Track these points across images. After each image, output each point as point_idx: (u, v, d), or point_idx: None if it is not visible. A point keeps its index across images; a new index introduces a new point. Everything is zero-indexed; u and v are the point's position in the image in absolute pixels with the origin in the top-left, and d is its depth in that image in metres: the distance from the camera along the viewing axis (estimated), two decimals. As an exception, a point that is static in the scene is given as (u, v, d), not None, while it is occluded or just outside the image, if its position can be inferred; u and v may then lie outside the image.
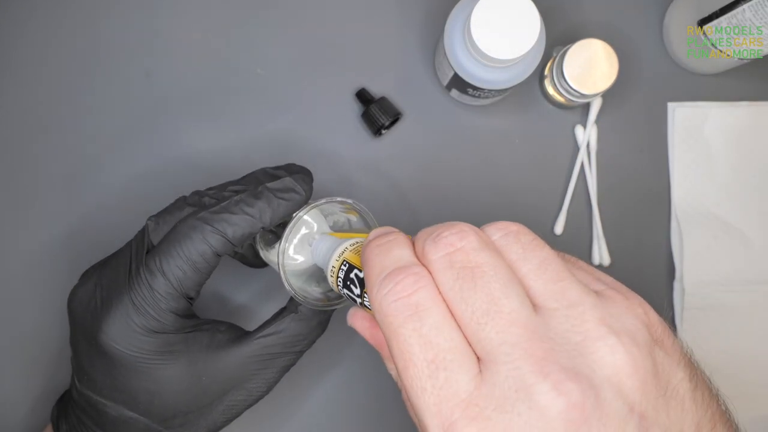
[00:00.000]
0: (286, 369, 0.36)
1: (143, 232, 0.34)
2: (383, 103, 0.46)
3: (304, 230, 0.35)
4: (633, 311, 0.21)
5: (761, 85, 0.49)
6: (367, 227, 0.35)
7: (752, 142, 0.48)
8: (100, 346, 0.32)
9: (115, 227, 0.40)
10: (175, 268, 0.32)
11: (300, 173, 0.35)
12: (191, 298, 0.33)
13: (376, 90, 0.48)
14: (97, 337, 0.32)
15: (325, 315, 0.36)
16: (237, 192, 0.34)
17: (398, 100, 0.48)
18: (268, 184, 0.33)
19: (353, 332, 0.30)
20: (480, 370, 0.20)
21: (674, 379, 0.21)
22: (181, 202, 0.35)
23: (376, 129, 0.46)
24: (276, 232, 0.37)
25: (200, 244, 0.32)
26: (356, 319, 0.29)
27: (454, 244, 0.22)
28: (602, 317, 0.20)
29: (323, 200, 0.34)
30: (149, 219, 0.35)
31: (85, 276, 0.36)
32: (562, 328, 0.20)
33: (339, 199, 0.33)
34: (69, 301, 0.35)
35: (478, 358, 0.20)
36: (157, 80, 0.47)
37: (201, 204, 0.34)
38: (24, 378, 0.45)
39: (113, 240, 0.38)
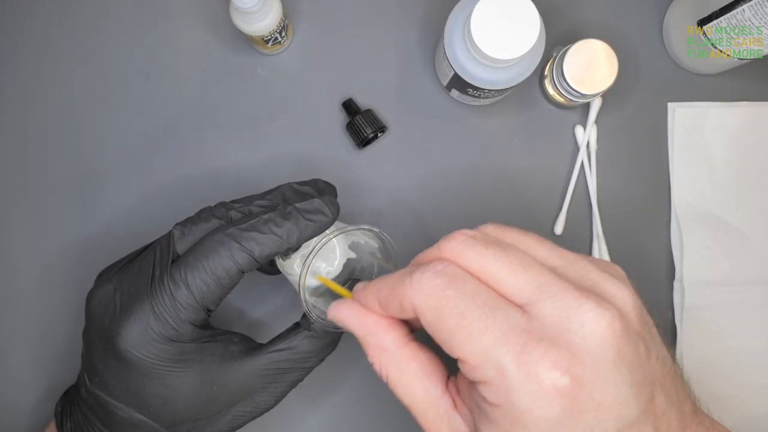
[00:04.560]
0: (295, 384, 0.36)
1: (169, 239, 0.35)
2: (369, 116, 0.46)
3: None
4: (616, 269, 0.28)
5: (761, 85, 0.49)
6: (385, 251, 0.35)
7: (752, 142, 0.48)
8: (118, 351, 0.32)
9: (121, 228, 0.40)
10: (200, 282, 0.32)
11: (327, 193, 0.36)
12: (210, 311, 0.34)
13: (376, 90, 0.48)
14: (114, 341, 0.32)
15: (337, 334, 0.36)
16: (264, 207, 0.35)
17: (398, 101, 0.48)
18: (297, 205, 0.34)
19: (361, 350, 0.30)
20: (524, 312, 0.24)
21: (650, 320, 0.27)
22: (207, 213, 0.35)
23: (360, 140, 0.46)
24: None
25: (227, 261, 0.32)
26: (341, 309, 0.29)
27: (467, 232, 0.26)
28: (600, 268, 0.26)
29: (351, 227, 0.34)
30: (175, 226, 0.35)
31: (104, 277, 0.36)
32: (577, 275, 0.26)
33: (366, 227, 0.33)
34: (87, 302, 0.35)
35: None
36: (156, 83, 0.47)
37: (228, 218, 0.35)
38: (28, 375, 0.45)
39: (121, 239, 0.38)
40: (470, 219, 0.47)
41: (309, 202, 0.34)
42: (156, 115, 0.47)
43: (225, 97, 0.47)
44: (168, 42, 0.48)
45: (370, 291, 0.28)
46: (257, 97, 0.48)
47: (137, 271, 0.34)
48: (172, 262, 0.34)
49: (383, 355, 0.28)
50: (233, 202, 0.36)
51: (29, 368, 0.45)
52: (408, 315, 0.26)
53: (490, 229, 0.28)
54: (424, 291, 0.25)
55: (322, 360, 0.36)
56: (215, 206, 0.36)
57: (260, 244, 0.33)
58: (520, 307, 0.24)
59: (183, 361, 0.33)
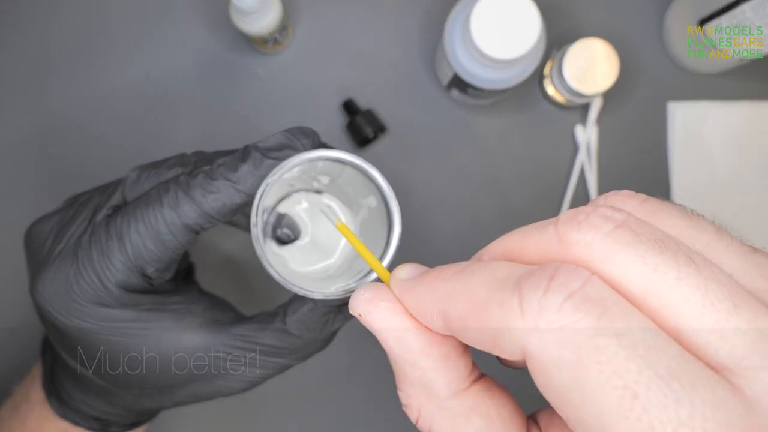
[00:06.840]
0: (268, 376, 0.30)
1: (120, 183, 0.29)
2: (369, 116, 0.46)
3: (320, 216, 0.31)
4: None
5: (761, 85, 0.49)
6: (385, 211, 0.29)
7: (752, 142, 0.48)
8: (36, 305, 0.28)
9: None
10: (134, 234, 0.26)
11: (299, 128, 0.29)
12: (148, 277, 0.28)
13: (376, 90, 0.48)
14: (31, 293, 0.28)
15: (322, 333, 0.29)
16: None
17: (398, 101, 0.48)
18: (258, 142, 0.28)
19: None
20: (730, 385, 0.13)
21: None
22: (175, 159, 0.30)
23: (360, 140, 0.46)
24: (287, 232, 0.33)
25: (168, 211, 0.26)
26: (370, 306, 0.18)
27: (607, 213, 0.15)
28: None
29: (313, 153, 0.26)
30: (132, 169, 0.29)
31: (51, 213, 0.31)
32: None
33: (334, 154, 0.26)
34: (24, 237, 0.30)
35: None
36: (156, 82, 0.47)
37: (195, 167, 0.29)
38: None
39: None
40: (469, 220, 0.48)
41: (272, 137, 0.28)
42: (155, 114, 0.47)
43: (225, 96, 0.47)
44: (168, 41, 0.48)
45: (425, 294, 0.17)
46: (257, 98, 0.47)
47: (74, 213, 0.29)
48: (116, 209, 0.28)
49: (428, 401, 0.18)
50: (216, 153, 0.30)
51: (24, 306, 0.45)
52: (500, 353, 0.15)
53: (633, 206, 0.16)
54: (555, 333, 0.13)
55: (304, 358, 0.30)
56: (191, 153, 0.30)
57: (211, 192, 0.26)
58: (719, 373, 0.13)
59: (114, 329, 0.27)
